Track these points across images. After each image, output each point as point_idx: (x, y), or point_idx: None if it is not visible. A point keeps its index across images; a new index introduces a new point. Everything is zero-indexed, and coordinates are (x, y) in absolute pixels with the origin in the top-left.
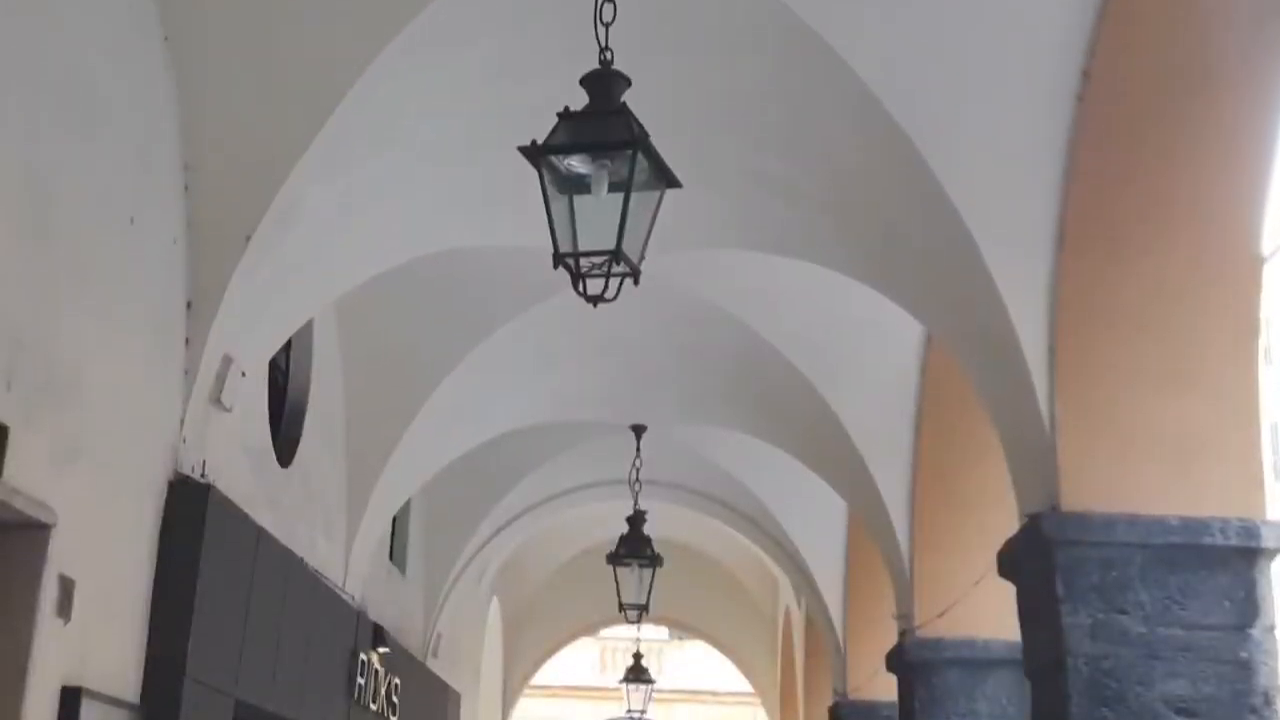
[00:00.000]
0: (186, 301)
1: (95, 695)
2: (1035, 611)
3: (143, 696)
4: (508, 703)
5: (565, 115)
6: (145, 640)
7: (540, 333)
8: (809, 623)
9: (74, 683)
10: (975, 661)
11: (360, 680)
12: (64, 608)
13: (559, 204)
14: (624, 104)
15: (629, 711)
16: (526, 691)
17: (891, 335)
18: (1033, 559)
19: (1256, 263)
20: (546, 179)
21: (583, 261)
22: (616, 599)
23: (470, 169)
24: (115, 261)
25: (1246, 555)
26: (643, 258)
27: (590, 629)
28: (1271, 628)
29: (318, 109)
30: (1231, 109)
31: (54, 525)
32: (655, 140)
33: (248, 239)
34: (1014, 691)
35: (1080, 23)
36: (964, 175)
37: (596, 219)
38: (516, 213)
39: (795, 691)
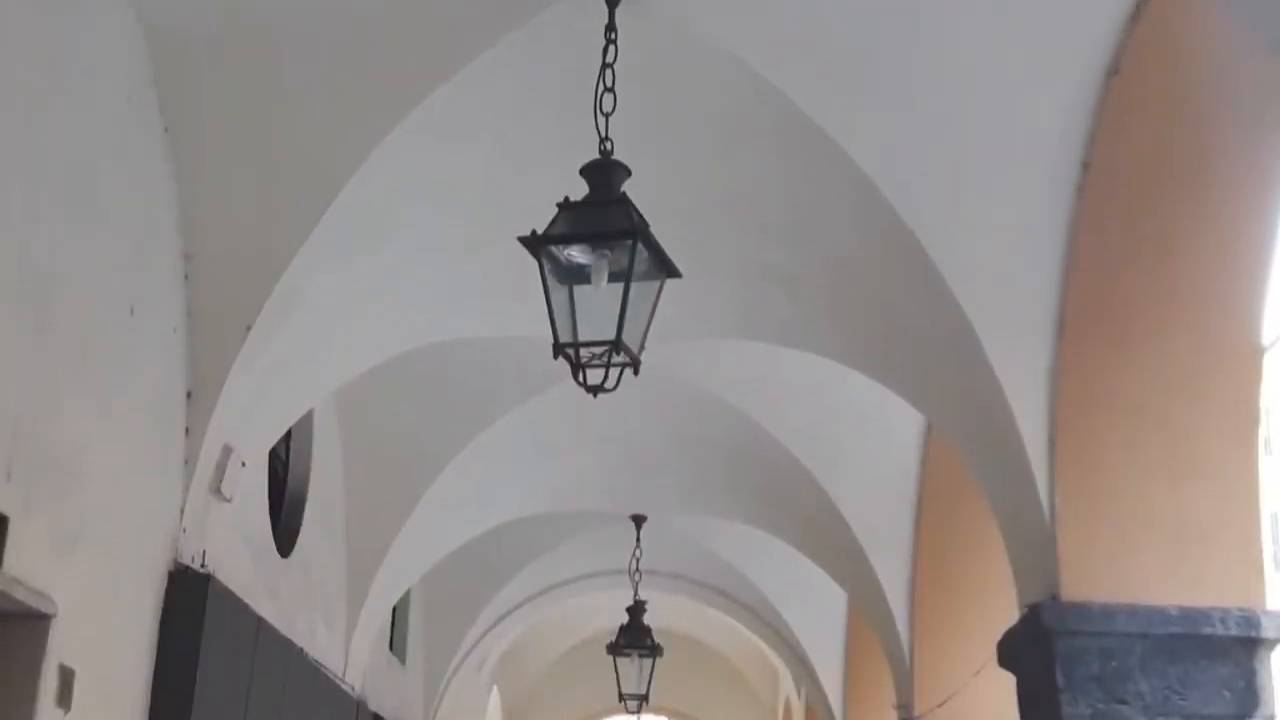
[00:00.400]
0: (187, 391)
1: None
2: (1035, 702)
3: None
4: None
5: (565, 205)
6: None
7: (540, 423)
8: (809, 712)
9: None
10: None
11: None
12: (64, 698)
13: (559, 294)
14: (624, 194)
15: None
16: None
17: (892, 425)
18: (1033, 649)
19: (1256, 352)
20: (546, 269)
21: (583, 352)
22: (617, 689)
23: (470, 259)
24: (115, 350)
25: (1247, 645)
26: (643, 348)
27: (591, 719)
28: (1271, 718)
29: (318, 199)
30: (1231, 198)
31: (54, 615)
32: (655, 230)
33: (248, 329)
34: None
35: (1080, 112)
36: (964, 265)
37: (596, 309)
38: (516, 303)
39: None
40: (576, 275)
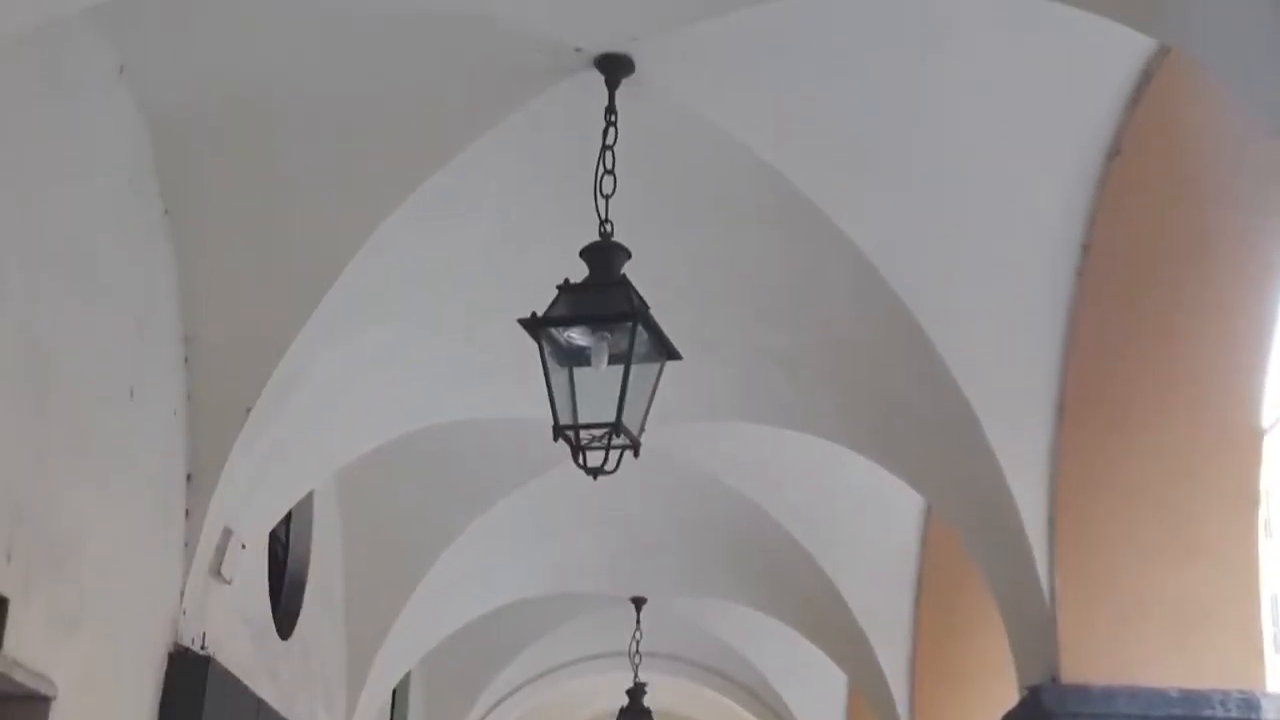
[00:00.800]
0: (187, 473)
1: None
2: None
3: None
4: None
5: (565, 287)
6: None
7: (540, 504)
8: None
9: None
10: None
11: None
12: None
13: (559, 376)
14: (624, 276)
15: None
16: None
17: (892, 507)
18: None
19: (1256, 435)
20: (546, 351)
21: (583, 434)
22: None
23: (470, 341)
24: (115, 433)
25: None
26: (643, 430)
27: None
28: None
29: (317, 281)
30: (1231, 281)
31: (54, 697)
32: (655, 311)
33: (248, 411)
34: None
35: (1080, 196)
36: (964, 348)
37: (597, 391)
38: (516, 385)
39: None
40: (577, 357)
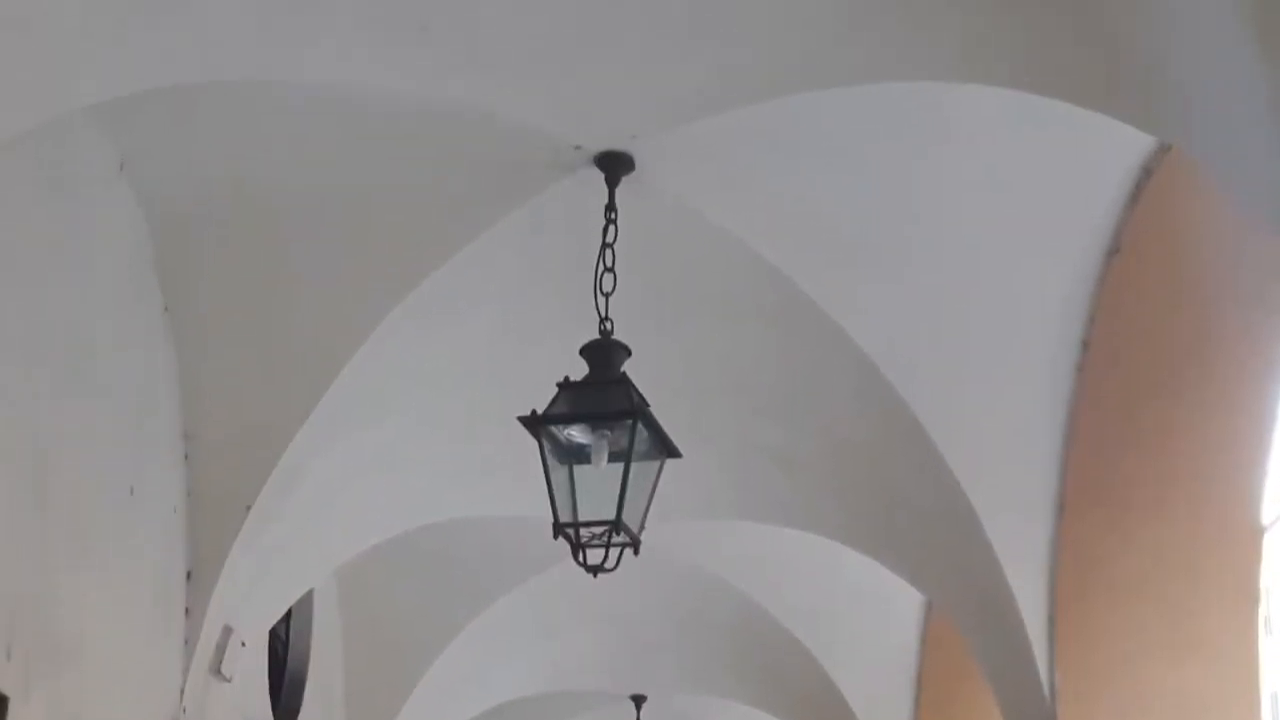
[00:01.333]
0: (187, 571)
1: None
2: None
3: None
4: None
5: (565, 385)
6: None
7: (540, 602)
8: None
9: None
10: None
11: None
12: None
13: (559, 474)
14: (624, 374)
15: None
16: None
17: (891, 604)
18: None
19: (1256, 532)
20: (546, 449)
21: (583, 532)
22: None
23: (470, 438)
24: (115, 530)
25: None
26: (643, 528)
27: None
28: None
29: (318, 378)
30: (1232, 377)
31: None
32: (655, 409)
33: (248, 508)
34: None
35: (1080, 292)
36: (964, 444)
37: (596, 489)
38: (516, 482)
39: None
40: (576, 455)
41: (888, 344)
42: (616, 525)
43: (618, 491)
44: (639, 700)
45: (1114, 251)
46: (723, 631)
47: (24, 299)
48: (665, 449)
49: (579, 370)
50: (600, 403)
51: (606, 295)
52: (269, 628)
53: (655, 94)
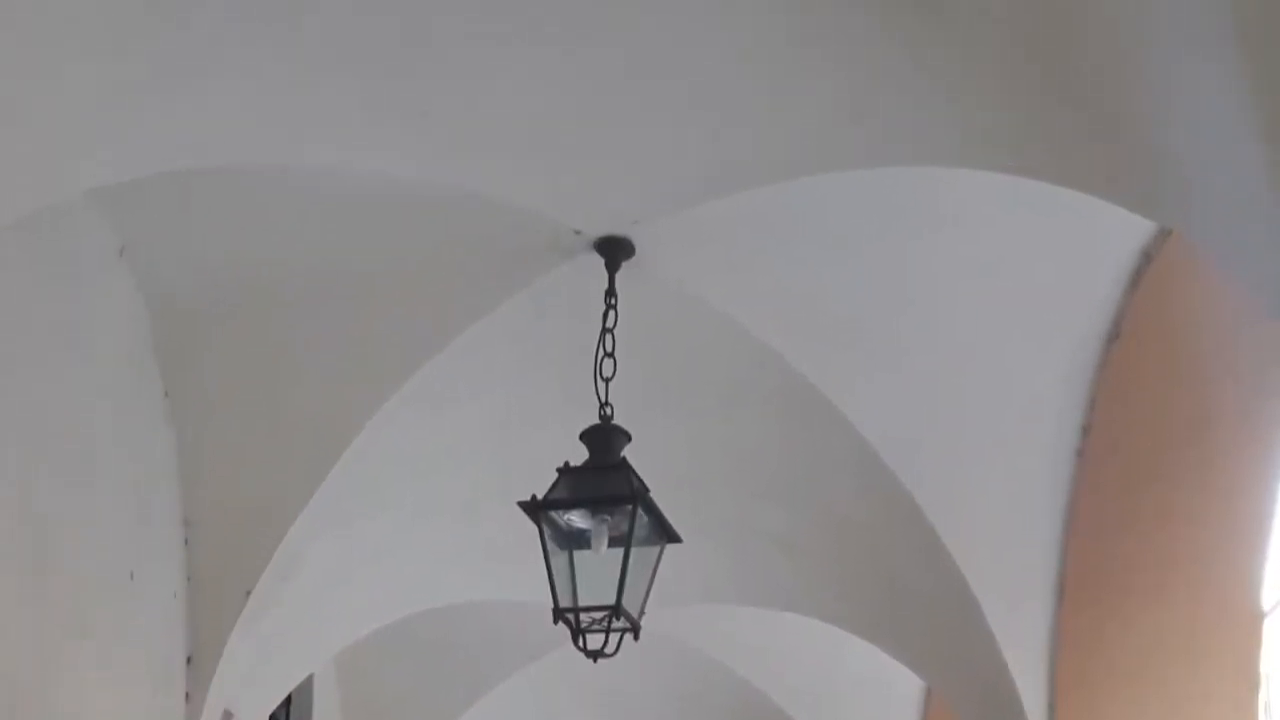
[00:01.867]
0: (187, 656)
1: None
2: None
3: None
4: None
5: (565, 470)
6: None
7: (540, 687)
8: None
9: None
10: None
11: None
12: None
13: (559, 559)
14: (624, 459)
15: None
16: None
17: (892, 689)
18: None
19: (1257, 618)
20: (547, 534)
21: (583, 617)
22: None
23: (470, 523)
24: (115, 615)
25: None
26: (643, 613)
27: None
28: None
29: (318, 464)
30: (1231, 461)
31: None
32: (655, 494)
33: (248, 594)
34: None
35: (1079, 378)
36: (964, 529)
37: (596, 574)
38: (516, 567)
39: None
40: (577, 540)
41: (888, 428)
42: (616, 610)
43: (618, 576)
44: None
45: (1114, 337)
46: (723, 717)
47: (24, 383)
48: (665, 534)
49: (579, 455)
50: (600, 488)
51: (607, 380)
52: (269, 713)
53: (655, 179)
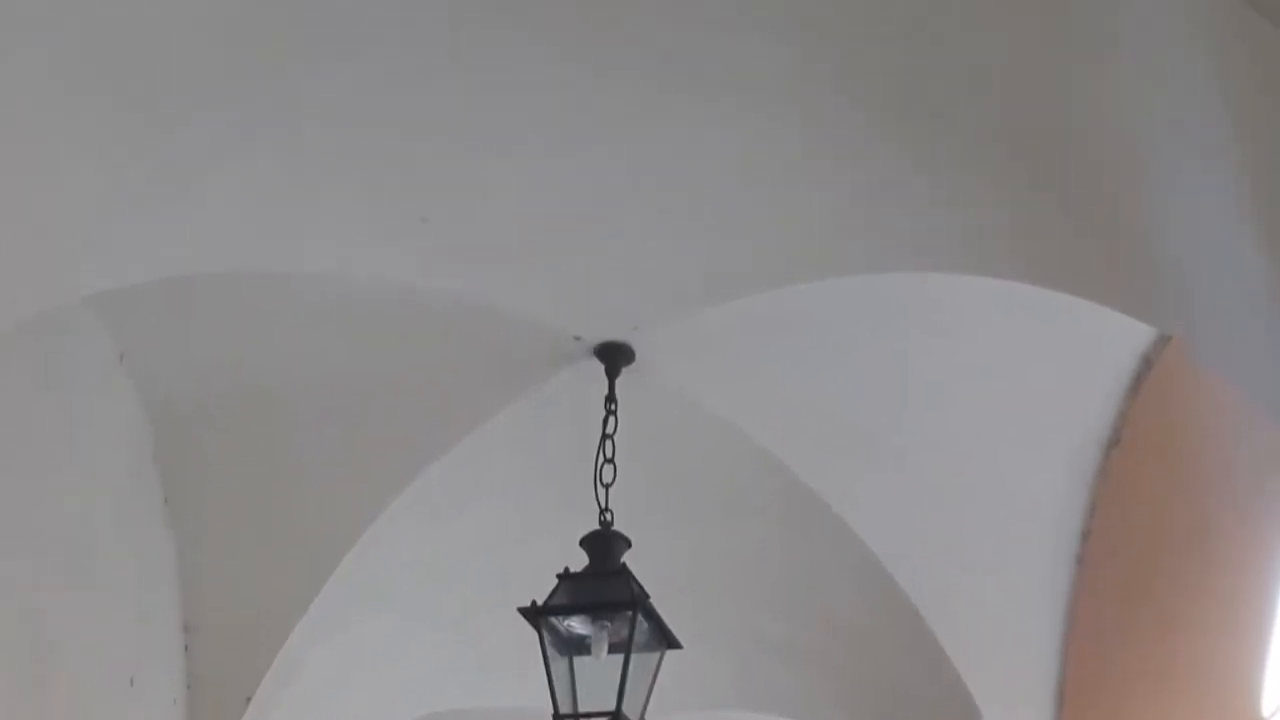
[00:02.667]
0: None
1: None
2: None
3: None
4: None
5: (565, 576)
6: None
7: None
8: None
9: None
10: None
11: None
12: None
13: (559, 665)
14: (624, 565)
15: None
16: None
17: None
18: None
19: None
20: (546, 640)
21: None
22: None
23: (470, 628)
24: None
25: None
26: (643, 718)
27: None
28: None
29: (318, 569)
30: (1231, 567)
31: None
32: (656, 600)
33: (248, 700)
34: None
35: (1079, 483)
36: (964, 635)
37: (597, 680)
38: (516, 673)
39: None
40: (576, 646)
41: (888, 535)
42: (616, 716)
43: (618, 682)
44: None
45: (1114, 443)
46: None
47: (23, 490)
48: (666, 640)
49: (579, 561)
50: (601, 594)
51: (607, 486)
52: None
53: (655, 285)
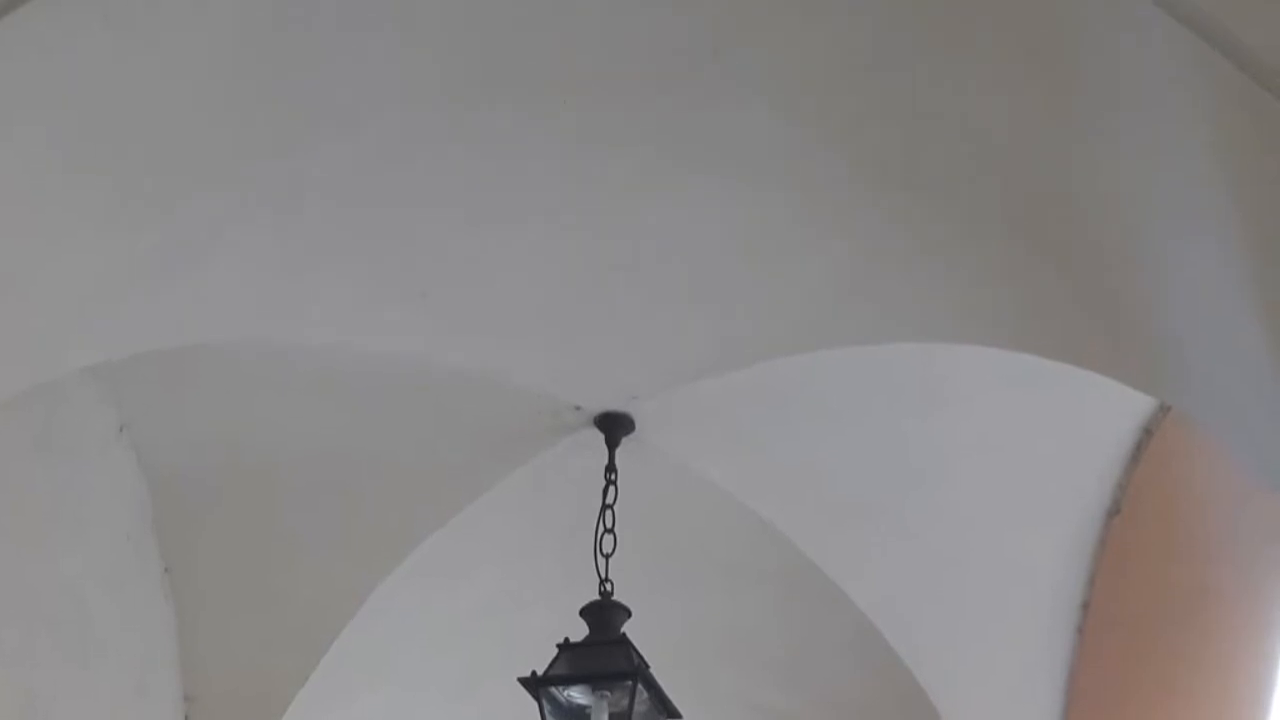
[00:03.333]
0: None
1: None
2: None
3: None
4: None
5: (565, 646)
6: None
7: None
8: None
9: None
10: None
11: None
12: None
13: None
14: (624, 634)
15: None
16: None
17: None
18: None
19: None
20: (547, 710)
21: None
22: None
23: (469, 698)
24: None
25: None
26: None
27: None
28: None
29: (316, 642)
30: (1231, 637)
31: None
32: (655, 670)
33: None
34: None
35: (1080, 553)
36: (963, 705)
37: None
38: None
39: None
40: (577, 716)
41: (888, 605)
42: None
43: None
44: None
45: (1114, 512)
46: None
47: (23, 560)
48: (665, 709)
49: (579, 631)
50: (601, 663)
51: (606, 556)
52: None
53: (654, 357)
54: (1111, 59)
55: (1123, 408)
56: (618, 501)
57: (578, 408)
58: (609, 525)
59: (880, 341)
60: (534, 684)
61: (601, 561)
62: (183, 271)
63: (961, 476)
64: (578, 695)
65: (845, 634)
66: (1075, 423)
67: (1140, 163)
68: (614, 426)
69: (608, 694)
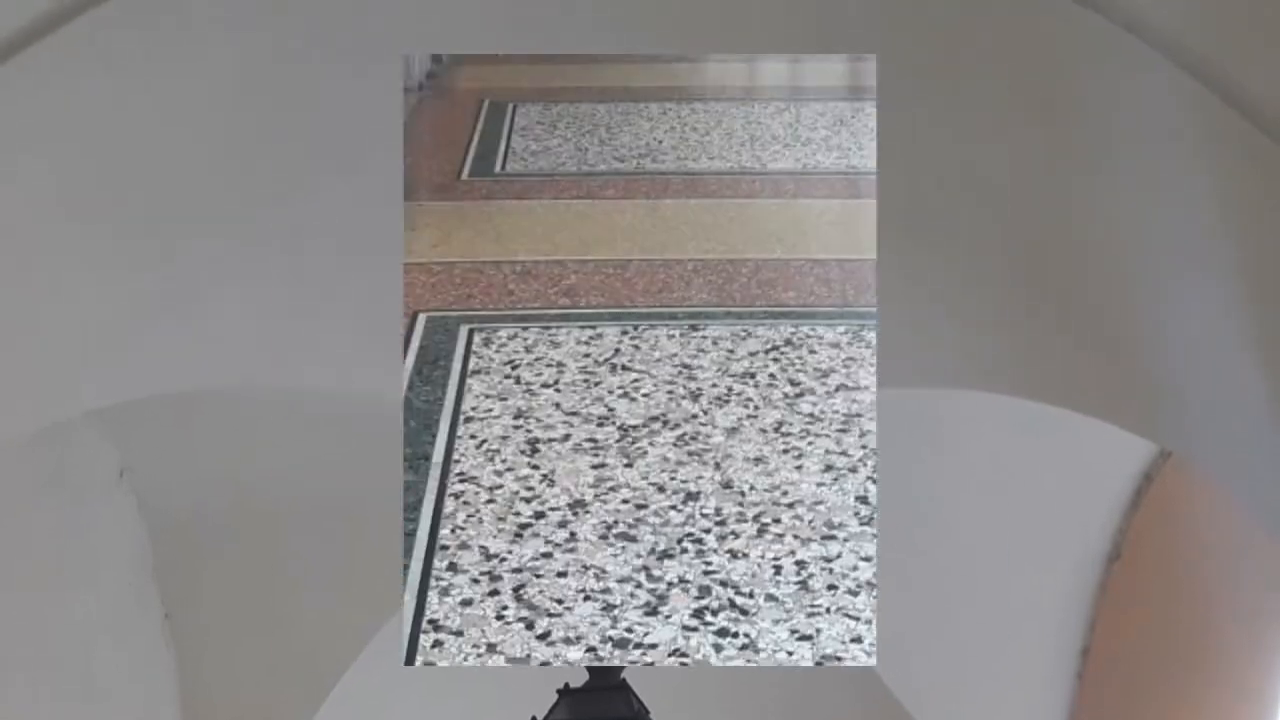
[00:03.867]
0: None
1: None
2: None
3: None
4: None
5: (565, 691)
6: None
7: None
8: None
9: None
10: None
11: None
12: None
13: None
14: (624, 680)
15: None
16: None
17: None
18: None
19: None
20: None
21: None
22: None
23: None
24: None
25: None
26: None
27: None
28: None
29: (319, 685)
30: (1231, 685)
31: None
32: (655, 716)
33: None
34: None
35: (1080, 600)
36: None
37: None
38: None
39: None
40: None
41: (887, 650)
42: None
43: None
44: None
45: (1114, 558)
46: None
47: (23, 605)
48: None
49: (579, 676)
50: (601, 709)
51: None
52: None
53: None
54: (1113, 106)
55: (1122, 453)
56: None
57: None
58: None
59: (881, 386)
60: None
61: None
62: (184, 315)
63: (961, 521)
64: None
65: (845, 678)
66: (1075, 468)
67: (1141, 209)
68: None
69: None
